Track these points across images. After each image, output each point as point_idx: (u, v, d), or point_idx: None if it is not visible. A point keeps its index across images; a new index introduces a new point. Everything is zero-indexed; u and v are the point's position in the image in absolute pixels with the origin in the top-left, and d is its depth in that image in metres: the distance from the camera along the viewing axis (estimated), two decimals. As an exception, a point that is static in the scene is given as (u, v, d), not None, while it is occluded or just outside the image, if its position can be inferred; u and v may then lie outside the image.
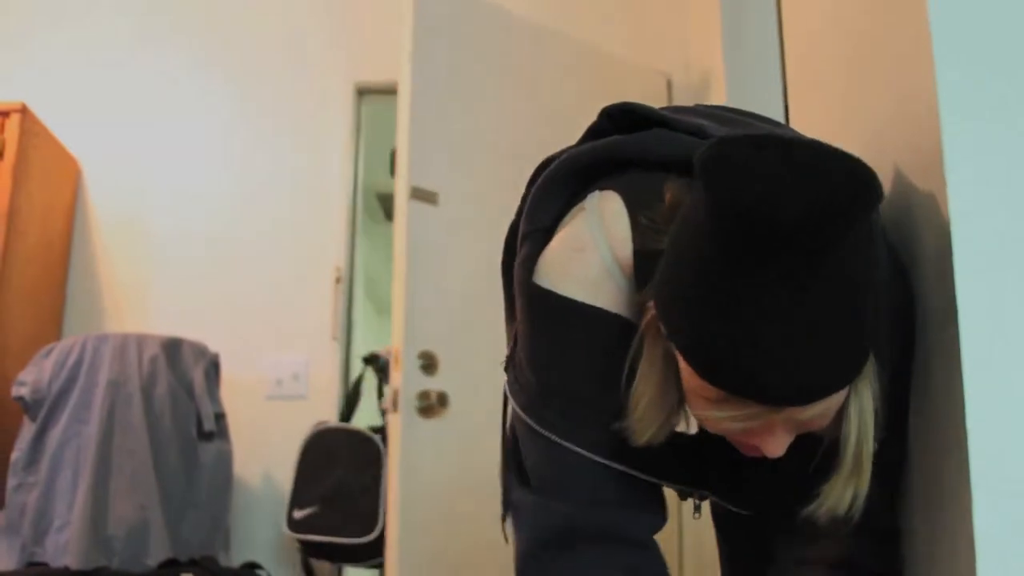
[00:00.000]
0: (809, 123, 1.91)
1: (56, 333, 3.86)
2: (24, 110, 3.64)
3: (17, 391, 3.18)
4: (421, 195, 2.79)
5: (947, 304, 1.11)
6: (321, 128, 4.05)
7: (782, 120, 2.75)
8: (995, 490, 1.04)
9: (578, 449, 1.19)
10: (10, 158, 3.56)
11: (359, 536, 3.12)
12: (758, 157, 0.94)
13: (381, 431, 3.24)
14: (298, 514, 3.16)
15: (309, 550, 3.28)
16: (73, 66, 4.21)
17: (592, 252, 1.19)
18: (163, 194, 4.05)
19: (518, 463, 1.28)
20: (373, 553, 3.15)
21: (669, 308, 1.01)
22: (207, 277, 3.92)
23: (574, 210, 1.25)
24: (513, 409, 1.27)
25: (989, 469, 1.05)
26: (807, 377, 0.94)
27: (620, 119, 1.30)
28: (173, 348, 3.29)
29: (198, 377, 3.27)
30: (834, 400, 0.99)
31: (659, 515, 1.24)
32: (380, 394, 3.32)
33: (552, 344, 1.21)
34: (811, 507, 1.07)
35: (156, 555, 3.05)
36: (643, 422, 1.11)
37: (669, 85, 3.91)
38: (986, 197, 1.11)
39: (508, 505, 1.31)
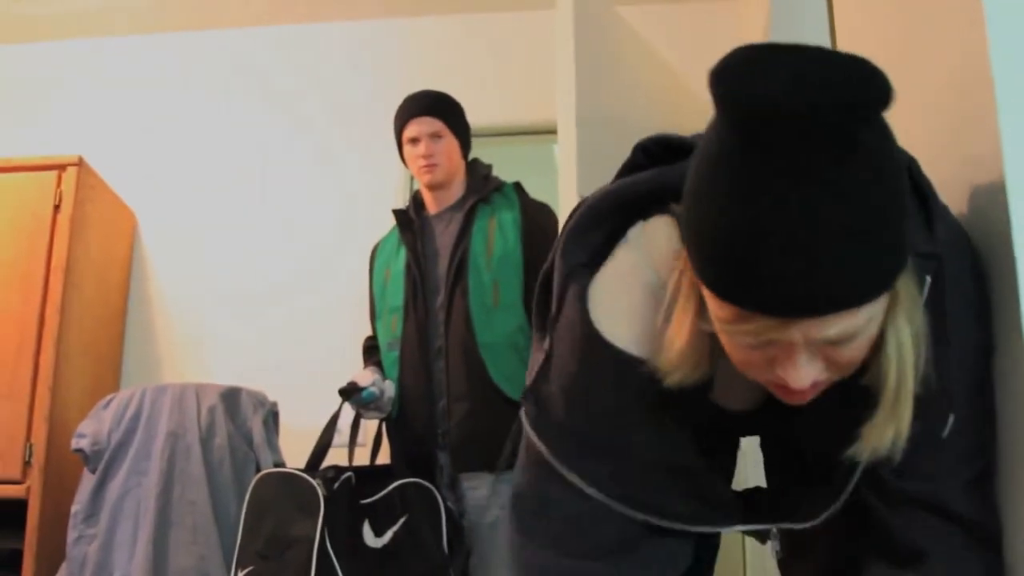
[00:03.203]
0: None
1: (115, 384, 3.88)
2: (81, 163, 3.69)
3: (77, 443, 3.18)
4: None
5: (1009, 300, 1.08)
6: (380, 185, 4.07)
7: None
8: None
9: (605, 498, 1.19)
10: (67, 211, 3.60)
11: None
12: (766, 54, 0.90)
13: (340, 474, 2.81)
14: (240, 575, 2.77)
15: None
16: (129, 119, 4.27)
17: (635, 278, 1.18)
18: (219, 244, 4.08)
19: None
20: None
21: (685, 227, 0.99)
22: (265, 326, 3.94)
23: (618, 245, 1.23)
24: (535, 445, 1.25)
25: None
26: (811, 282, 0.89)
27: (655, 152, 1.28)
28: (231, 397, 3.28)
29: (257, 426, 3.26)
30: (855, 320, 0.93)
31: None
32: (354, 432, 2.95)
33: (596, 391, 1.21)
34: (852, 450, 1.04)
35: (216, 606, 3.02)
36: (673, 366, 1.09)
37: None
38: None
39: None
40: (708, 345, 1.08)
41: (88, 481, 3.17)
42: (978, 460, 1.15)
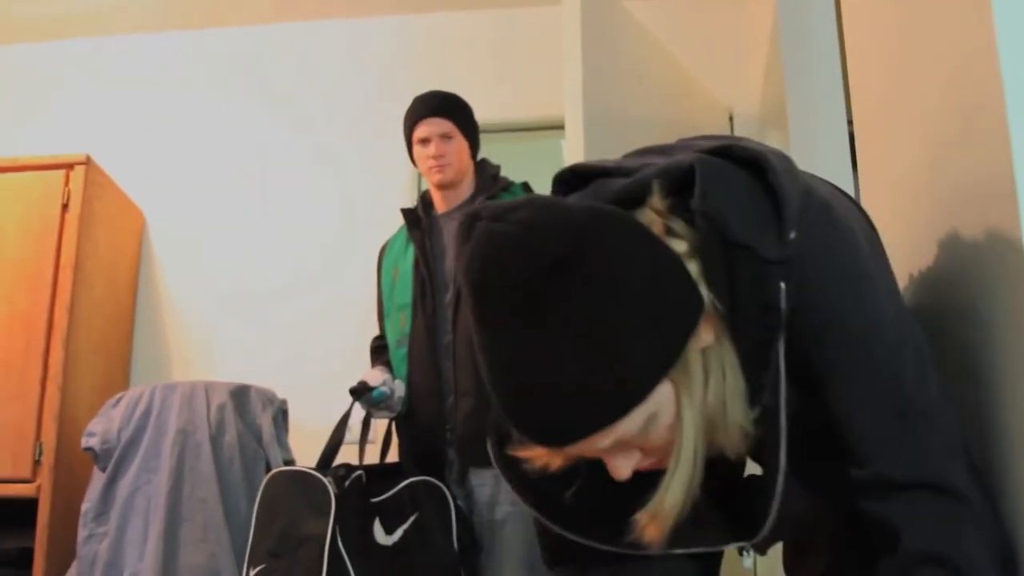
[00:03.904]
0: (875, 154, 1.86)
1: (124, 382, 3.89)
2: (88, 162, 3.69)
3: (87, 442, 3.18)
4: None
5: (1020, 302, 1.07)
6: (384, 184, 4.07)
7: (844, 155, 2.71)
8: None
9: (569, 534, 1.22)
10: (75, 209, 3.61)
11: None
12: (478, 224, 0.99)
13: (351, 472, 2.80)
14: (251, 573, 2.75)
15: None
16: (130, 119, 4.27)
17: None
18: (227, 243, 4.08)
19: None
20: None
21: None
22: (274, 324, 3.94)
23: None
24: None
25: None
26: (537, 422, 0.98)
27: (572, 182, 1.29)
28: (241, 395, 3.28)
29: (266, 424, 3.26)
30: (619, 431, 0.98)
31: None
32: (365, 431, 2.98)
33: None
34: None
35: (227, 604, 3.02)
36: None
37: (731, 118, 3.89)
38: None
39: None
40: None
41: (98, 479, 3.17)
42: (907, 422, 1.11)
